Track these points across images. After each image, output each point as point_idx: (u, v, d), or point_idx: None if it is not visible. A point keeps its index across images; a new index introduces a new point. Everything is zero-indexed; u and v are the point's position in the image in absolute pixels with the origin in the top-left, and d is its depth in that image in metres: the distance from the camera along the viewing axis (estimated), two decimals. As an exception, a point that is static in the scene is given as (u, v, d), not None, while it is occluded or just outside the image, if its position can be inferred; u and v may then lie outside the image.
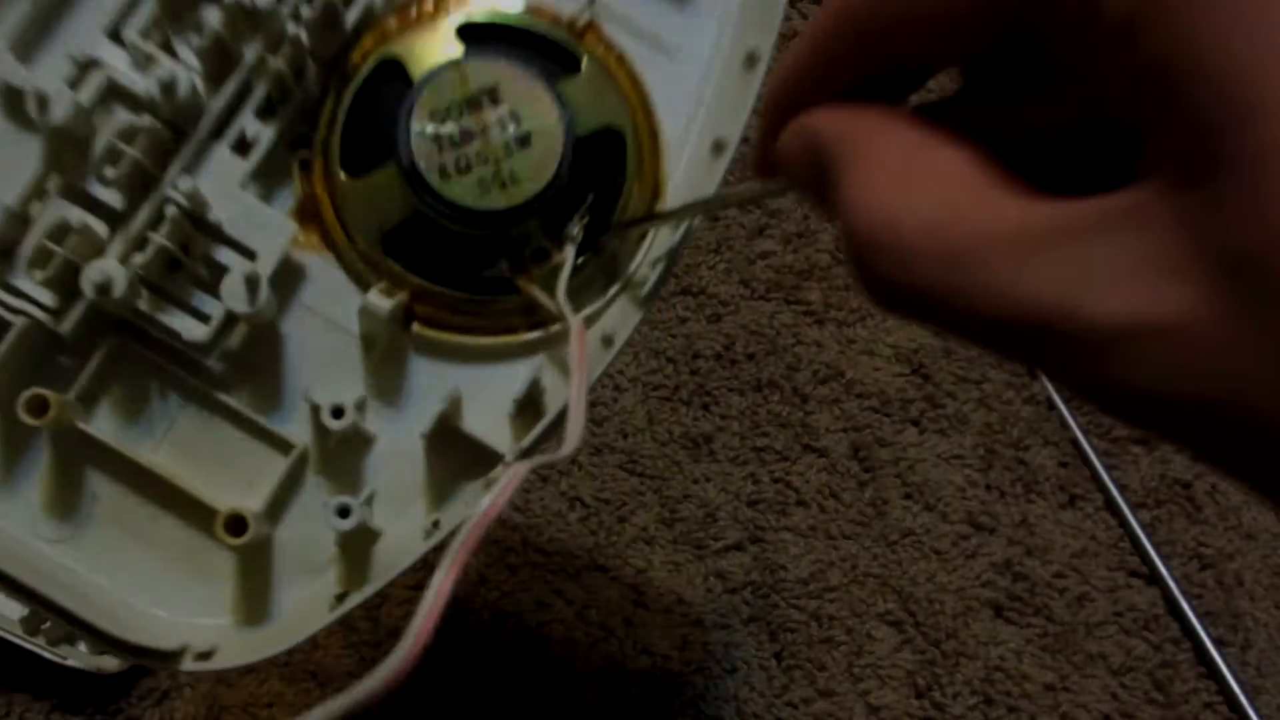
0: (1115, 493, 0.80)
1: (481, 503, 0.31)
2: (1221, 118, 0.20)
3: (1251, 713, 0.74)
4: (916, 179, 0.25)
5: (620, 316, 0.44)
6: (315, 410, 0.42)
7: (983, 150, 0.25)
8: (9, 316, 0.42)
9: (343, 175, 0.44)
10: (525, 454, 0.42)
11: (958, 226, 0.24)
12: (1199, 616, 0.77)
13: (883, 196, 0.24)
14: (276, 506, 0.43)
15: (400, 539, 0.42)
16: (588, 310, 0.44)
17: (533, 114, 0.43)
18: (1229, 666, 0.75)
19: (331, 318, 0.44)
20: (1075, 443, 0.83)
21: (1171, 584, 0.77)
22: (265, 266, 0.42)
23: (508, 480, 0.32)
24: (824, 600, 0.73)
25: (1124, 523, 0.80)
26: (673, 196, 0.45)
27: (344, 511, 0.41)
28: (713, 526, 0.73)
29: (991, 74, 0.27)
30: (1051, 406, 0.84)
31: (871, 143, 0.26)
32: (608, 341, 0.43)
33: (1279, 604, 0.79)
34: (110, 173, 0.42)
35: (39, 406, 0.41)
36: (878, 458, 0.76)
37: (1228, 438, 0.21)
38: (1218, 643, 0.76)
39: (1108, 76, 0.23)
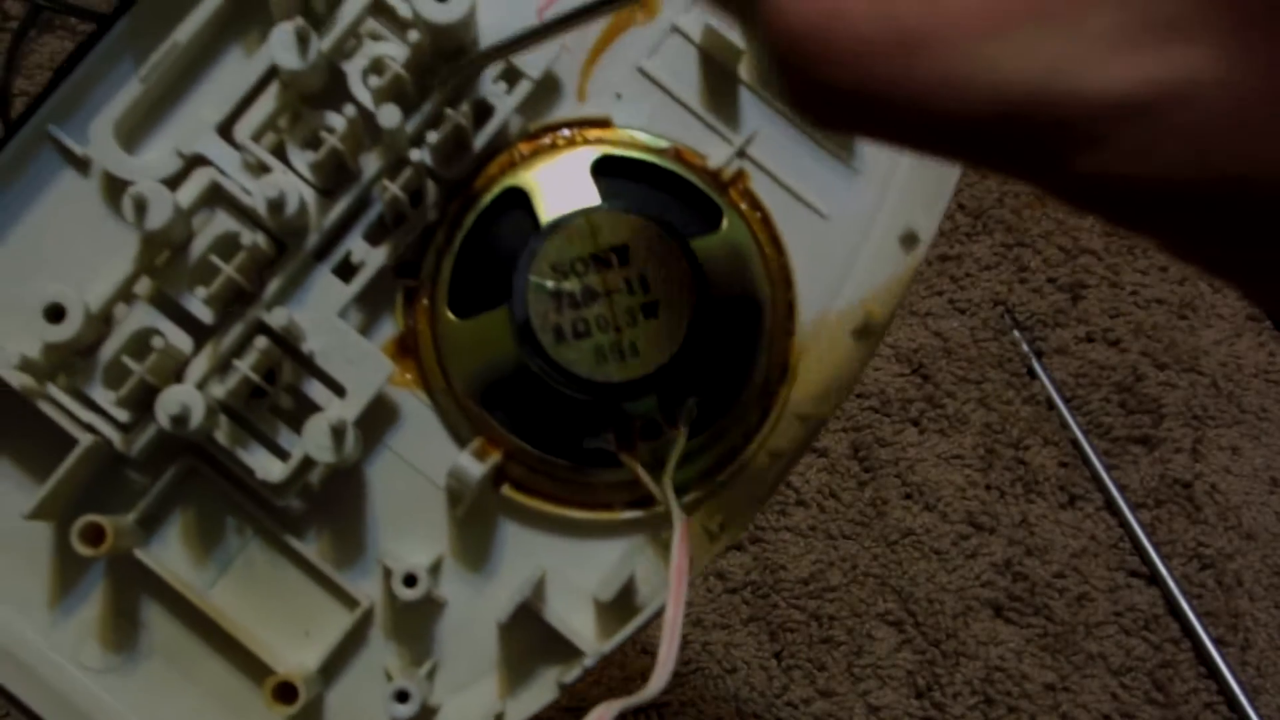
0: (1115, 493, 0.79)
1: None
2: None
3: (1251, 713, 0.74)
4: None
5: (730, 506, 0.40)
6: (387, 574, 0.38)
7: None
8: (76, 433, 0.38)
9: (450, 315, 0.39)
10: (607, 655, 0.38)
11: (917, 7, 0.19)
12: (1199, 616, 0.76)
13: None
14: (333, 666, 0.39)
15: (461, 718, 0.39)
16: (692, 496, 0.39)
17: (663, 281, 0.38)
18: (1229, 666, 0.75)
19: (417, 466, 0.40)
20: (1075, 443, 0.82)
21: (1171, 584, 0.77)
22: (353, 409, 0.38)
23: None
24: (824, 600, 0.71)
25: (1124, 523, 0.79)
26: (805, 377, 0.40)
27: (402, 696, 0.37)
28: None
29: None
30: (1051, 406, 0.83)
31: None
32: (712, 536, 0.39)
33: (1279, 604, 0.79)
34: (201, 290, 0.37)
35: (95, 535, 0.37)
36: (878, 458, 0.75)
37: (1242, 223, 0.18)
38: (1218, 643, 0.76)
39: None
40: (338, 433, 0.37)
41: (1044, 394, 0.83)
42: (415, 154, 0.39)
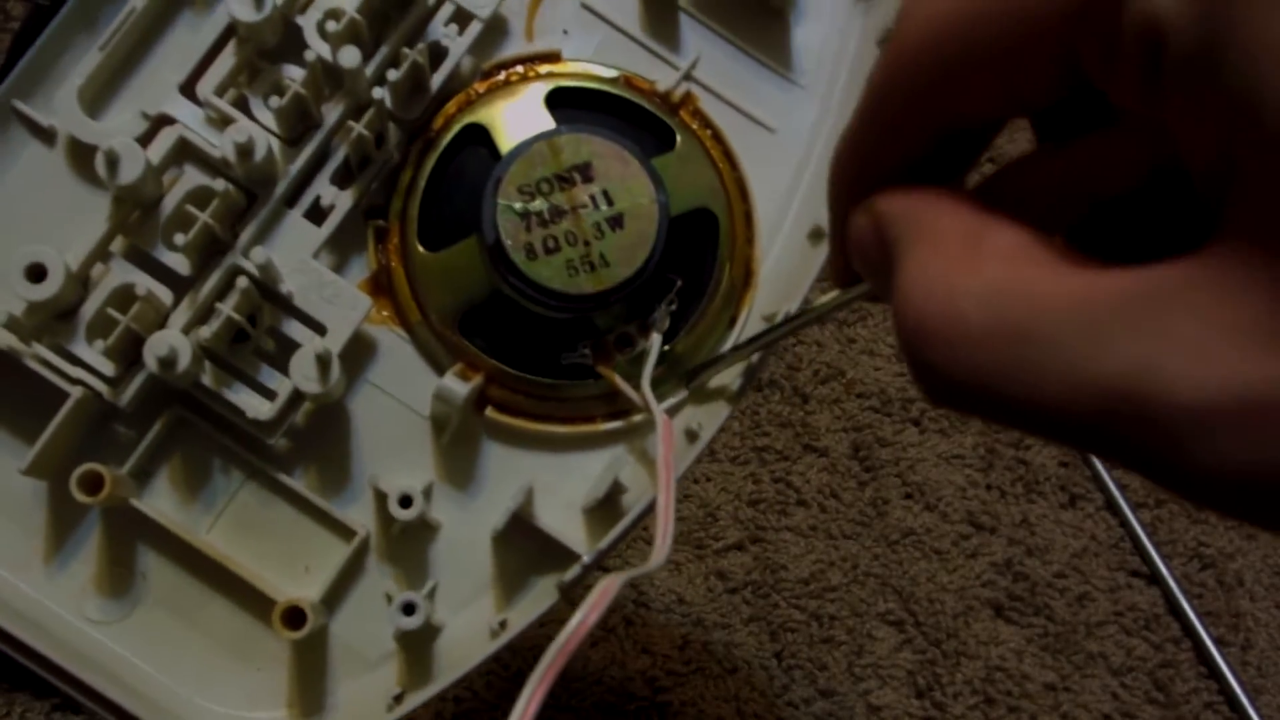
0: (1115, 493, 0.78)
1: (571, 621, 0.27)
2: None
3: (1252, 713, 0.72)
4: (977, 258, 0.21)
5: (706, 409, 0.40)
6: (381, 498, 0.38)
7: (1042, 230, 0.21)
8: (66, 386, 0.37)
9: (420, 249, 0.40)
10: (604, 554, 0.38)
11: (1022, 303, 0.20)
12: (1199, 616, 0.75)
13: (941, 277, 0.21)
14: (334, 596, 0.39)
15: (464, 636, 0.39)
16: (671, 401, 0.40)
17: (626, 193, 0.38)
18: (1229, 666, 0.73)
19: (401, 398, 0.40)
20: (1075, 443, 0.81)
21: (1172, 584, 0.75)
22: (335, 343, 0.38)
23: (599, 595, 0.29)
24: (824, 600, 0.70)
25: (1124, 523, 0.77)
26: (765, 283, 0.41)
27: (409, 608, 0.37)
28: (713, 526, 0.70)
29: (1056, 130, 0.24)
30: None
31: (930, 222, 0.23)
32: (692, 436, 0.39)
33: (1279, 604, 0.77)
34: (179, 237, 0.37)
35: (93, 483, 0.37)
36: (878, 457, 0.74)
37: None
38: (1218, 643, 0.74)
39: (1178, 117, 0.19)
40: (323, 363, 0.37)
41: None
42: (376, 95, 0.39)
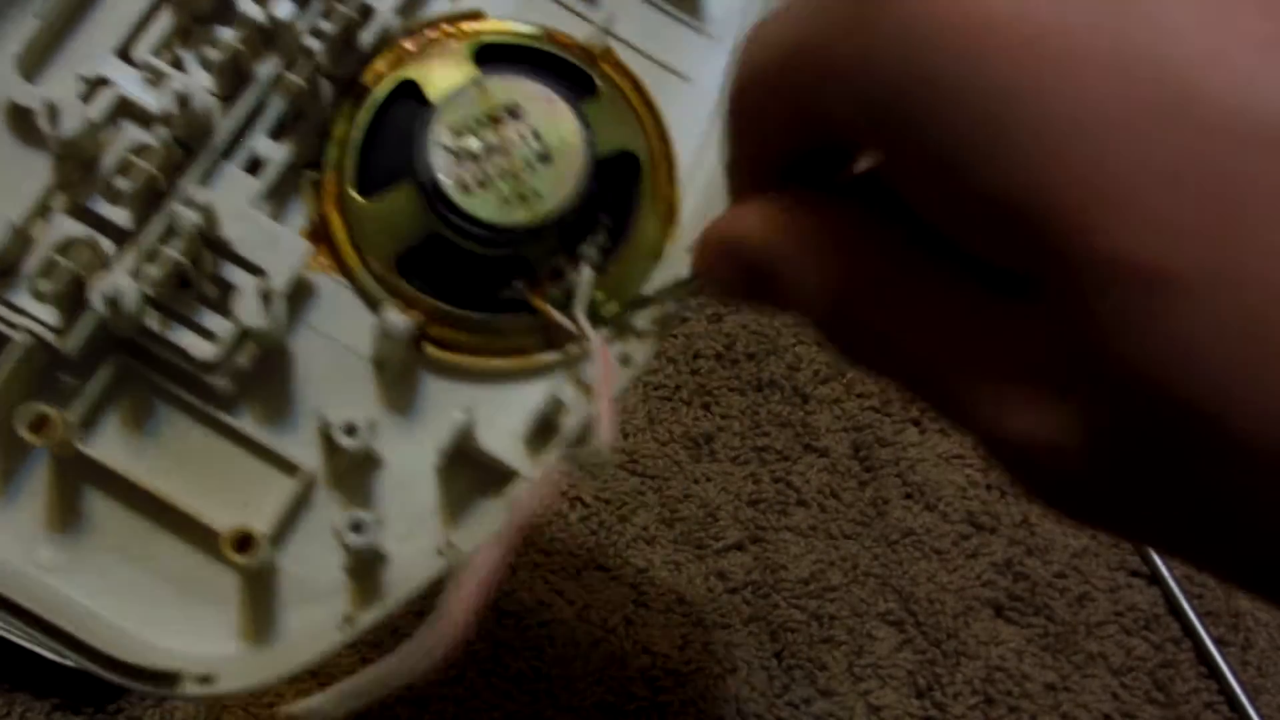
0: None
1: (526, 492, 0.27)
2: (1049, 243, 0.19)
3: (1252, 713, 0.72)
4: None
5: (638, 337, 0.41)
6: (326, 428, 0.39)
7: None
8: (10, 333, 0.38)
9: (357, 197, 0.41)
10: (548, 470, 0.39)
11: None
12: (1199, 616, 0.74)
13: None
14: (282, 530, 0.39)
15: (413, 560, 0.39)
16: (601, 333, 0.41)
17: (554, 131, 0.40)
18: (1230, 666, 0.73)
19: (341, 339, 0.41)
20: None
21: (1172, 584, 0.74)
22: (279, 280, 0.39)
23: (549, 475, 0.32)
24: (824, 600, 0.70)
25: None
26: (687, 221, 0.42)
27: (357, 526, 0.37)
28: (713, 526, 0.70)
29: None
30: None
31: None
32: (625, 360, 0.40)
33: None
34: (119, 186, 0.38)
35: (40, 423, 0.37)
36: (878, 457, 0.73)
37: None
38: (1218, 642, 0.74)
39: (933, 209, 0.22)
40: (267, 298, 0.38)
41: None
42: (310, 45, 0.40)
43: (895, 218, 0.23)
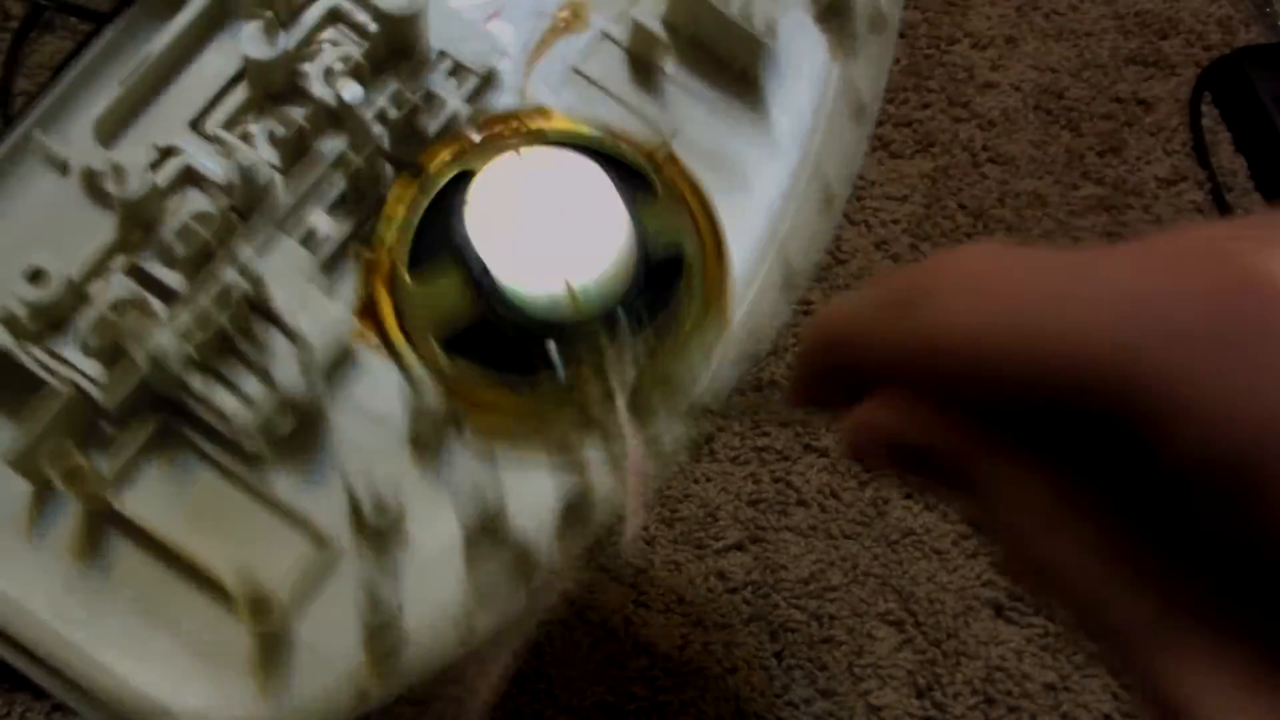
0: None
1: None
2: None
3: None
4: None
5: (673, 426, 0.41)
6: (356, 502, 0.39)
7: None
8: (56, 384, 0.38)
9: (408, 278, 0.42)
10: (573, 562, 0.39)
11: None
12: None
13: None
14: (303, 597, 0.39)
15: (432, 639, 0.39)
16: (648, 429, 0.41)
17: (604, 222, 0.41)
18: None
19: (380, 414, 0.41)
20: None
21: None
22: (321, 351, 0.40)
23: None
24: (824, 600, 0.70)
25: None
26: (738, 327, 0.43)
27: (380, 604, 0.37)
28: (713, 526, 0.70)
29: None
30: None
31: None
32: (654, 442, 0.41)
33: None
34: (176, 252, 0.39)
35: (73, 473, 0.38)
36: None
37: None
38: None
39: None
40: (306, 366, 0.39)
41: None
42: (374, 133, 0.41)
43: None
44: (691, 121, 0.45)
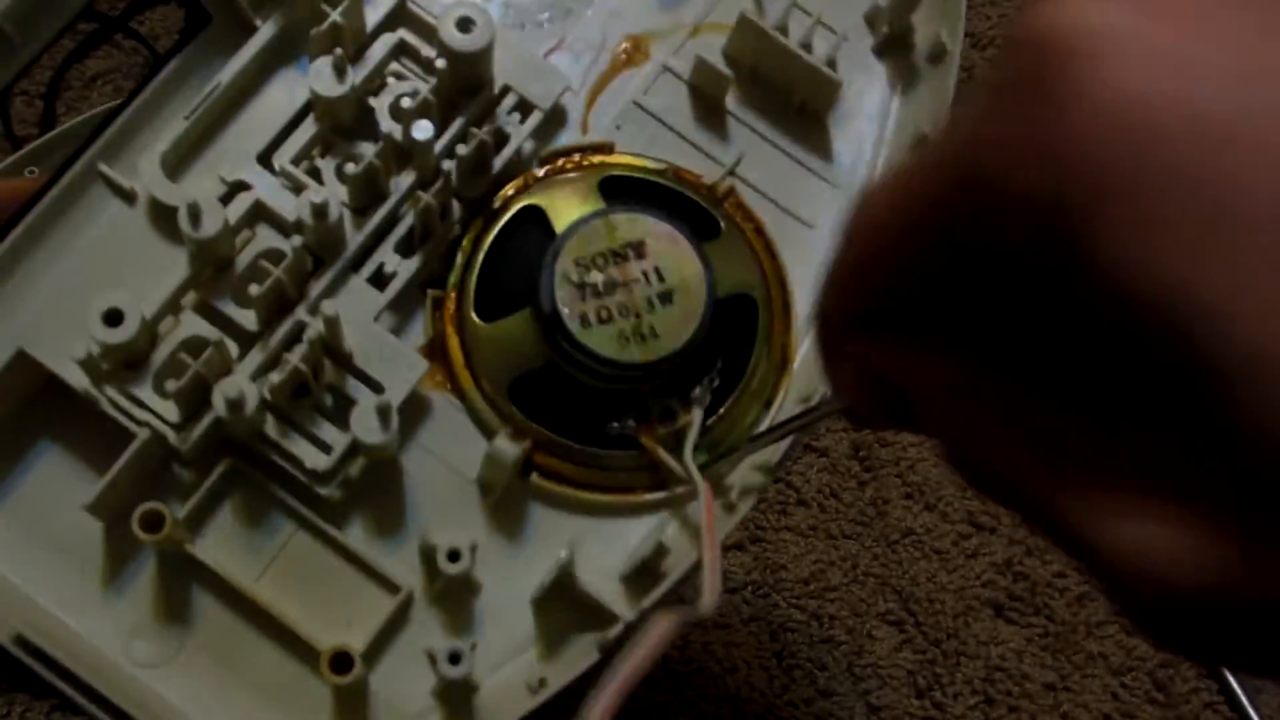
0: None
1: (634, 651, 0.27)
2: None
3: (1252, 712, 0.70)
4: None
5: (743, 480, 0.41)
6: (430, 552, 0.39)
7: None
8: (133, 428, 0.38)
9: (476, 319, 0.41)
10: (646, 614, 0.39)
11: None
12: None
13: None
14: (376, 649, 0.39)
15: (503, 693, 0.39)
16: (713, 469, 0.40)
17: (677, 271, 0.40)
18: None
19: (449, 460, 0.41)
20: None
21: None
22: (395, 397, 0.39)
23: (658, 631, 0.31)
24: (824, 600, 0.69)
25: None
26: (800, 369, 0.42)
27: (455, 658, 0.37)
28: None
29: None
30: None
31: None
32: (730, 508, 0.40)
33: None
34: (250, 292, 0.38)
35: (153, 522, 0.38)
36: (878, 457, 0.72)
37: None
38: None
39: None
40: (384, 414, 0.38)
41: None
42: (444, 167, 0.40)
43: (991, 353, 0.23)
44: (753, 156, 0.44)
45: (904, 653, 0.69)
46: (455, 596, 0.40)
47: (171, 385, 0.38)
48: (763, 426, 0.42)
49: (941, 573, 0.71)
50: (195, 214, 0.38)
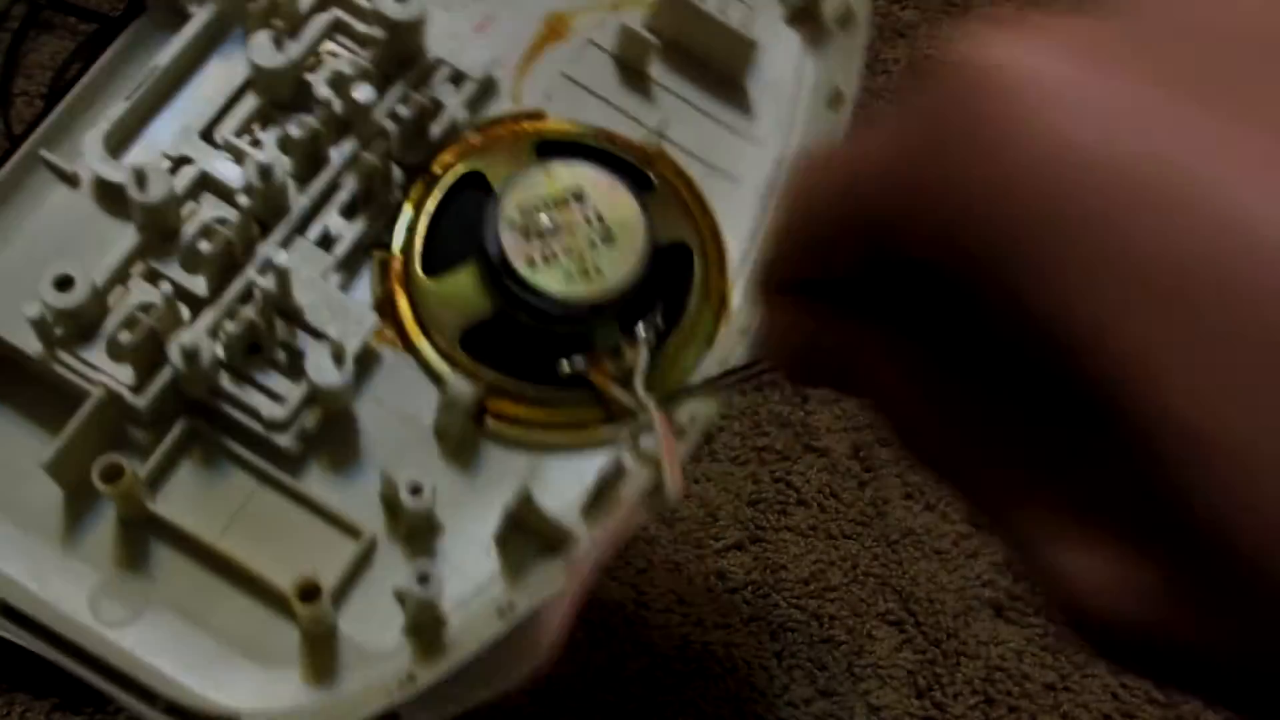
0: None
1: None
2: None
3: None
4: None
5: (690, 411, 0.42)
6: (392, 488, 0.39)
7: None
8: (87, 387, 0.38)
9: (423, 276, 0.42)
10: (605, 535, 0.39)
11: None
12: None
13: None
14: (343, 593, 0.39)
15: (472, 621, 0.39)
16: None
17: (616, 213, 0.42)
18: None
19: (404, 410, 0.42)
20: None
21: None
22: (351, 345, 0.40)
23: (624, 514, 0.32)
24: (824, 600, 0.69)
25: None
26: (737, 309, 0.44)
27: (424, 579, 0.37)
28: (713, 526, 0.69)
29: None
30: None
31: None
32: (680, 433, 0.41)
33: None
34: (198, 253, 0.39)
35: (113, 474, 0.37)
36: (878, 457, 0.72)
37: None
38: None
39: None
40: (338, 356, 0.39)
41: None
42: (385, 127, 0.42)
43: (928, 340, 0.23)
44: (679, 120, 0.46)
45: (904, 653, 0.68)
46: (419, 538, 0.40)
47: (126, 338, 0.38)
48: (705, 363, 0.43)
49: (941, 573, 0.71)
50: (141, 179, 0.39)
